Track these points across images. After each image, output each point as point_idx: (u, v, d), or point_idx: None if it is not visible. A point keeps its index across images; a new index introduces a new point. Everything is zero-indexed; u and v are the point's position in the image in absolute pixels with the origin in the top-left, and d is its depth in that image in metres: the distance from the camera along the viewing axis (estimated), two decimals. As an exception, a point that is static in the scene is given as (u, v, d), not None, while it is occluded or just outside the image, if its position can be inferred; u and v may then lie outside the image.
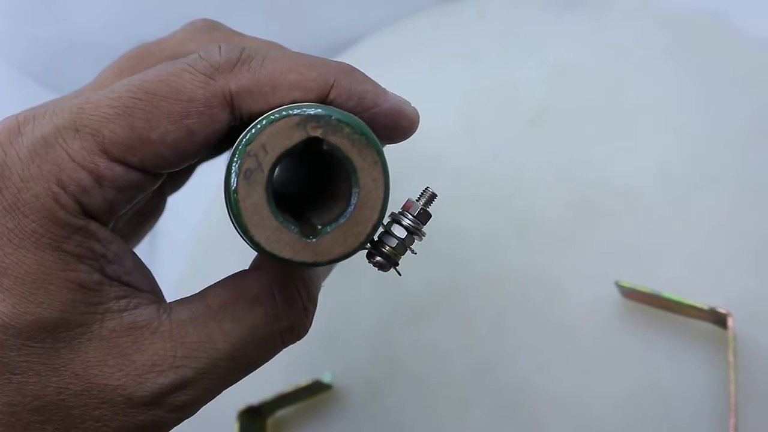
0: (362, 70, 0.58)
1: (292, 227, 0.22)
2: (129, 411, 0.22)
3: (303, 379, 0.38)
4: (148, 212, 0.31)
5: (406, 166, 0.45)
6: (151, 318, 0.22)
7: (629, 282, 0.33)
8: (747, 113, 0.40)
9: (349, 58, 0.59)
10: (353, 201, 0.22)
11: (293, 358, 0.41)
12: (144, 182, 0.22)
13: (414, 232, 0.24)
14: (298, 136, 0.21)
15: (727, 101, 0.40)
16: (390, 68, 0.54)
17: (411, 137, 0.48)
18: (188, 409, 0.23)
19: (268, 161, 0.21)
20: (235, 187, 0.21)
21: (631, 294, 0.34)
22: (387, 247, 0.23)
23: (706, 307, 0.31)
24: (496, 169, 0.43)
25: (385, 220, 0.23)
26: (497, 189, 0.42)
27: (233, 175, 0.21)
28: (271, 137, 0.21)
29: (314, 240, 0.22)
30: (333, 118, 0.22)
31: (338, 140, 0.22)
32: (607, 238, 0.38)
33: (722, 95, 0.41)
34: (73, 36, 0.57)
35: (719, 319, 0.31)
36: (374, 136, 0.22)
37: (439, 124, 0.47)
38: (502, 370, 0.36)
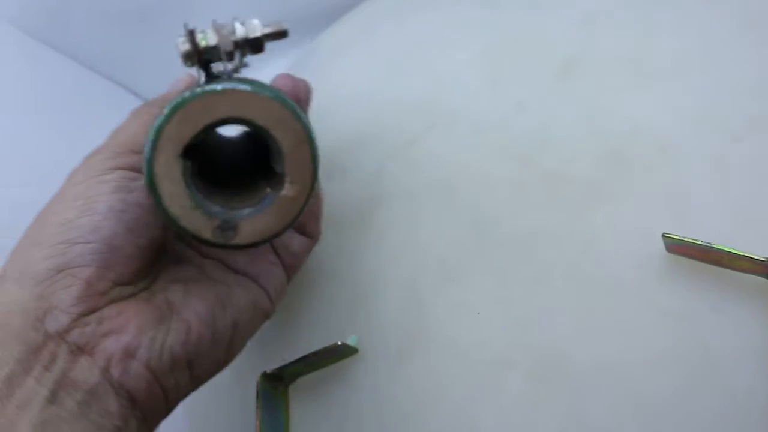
0: (379, 25, 0.56)
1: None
2: None
3: (326, 344, 0.37)
4: None
5: (428, 120, 0.43)
6: None
7: (677, 234, 0.31)
8: (789, 55, 0.37)
9: (365, 12, 0.57)
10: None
11: (316, 321, 0.40)
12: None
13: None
14: None
15: (766, 43, 0.38)
16: (405, 20, 0.52)
17: (432, 92, 0.46)
18: None
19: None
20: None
21: (678, 248, 0.32)
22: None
23: (762, 258, 0.29)
24: (523, 123, 0.41)
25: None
26: (525, 143, 0.40)
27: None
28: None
29: None
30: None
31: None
32: (643, 191, 0.35)
33: (760, 37, 0.38)
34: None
35: (776, 272, 0.29)
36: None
37: (461, 76, 0.45)
38: (539, 330, 0.34)
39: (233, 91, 0.22)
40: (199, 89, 0.22)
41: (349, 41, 0.54)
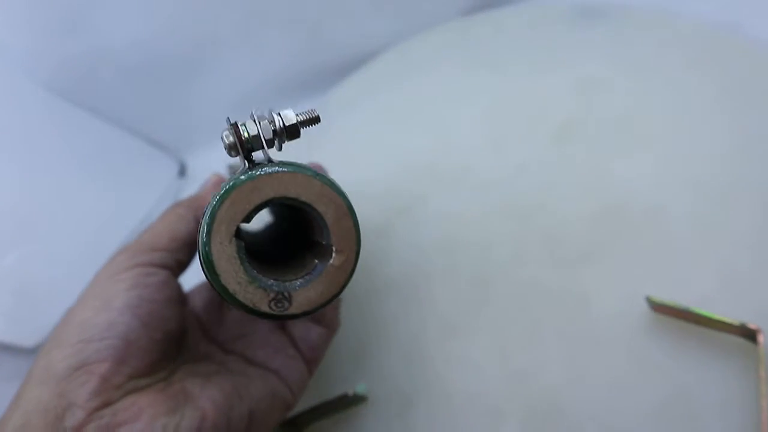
0: (387, 83, 0.59)
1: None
2: None
3: (337, 392, 0.39)
4: None
5: (432, 181, 0.46)
6: None
7: (659, 297, 0.34)
8: (769, 124, 0.40)
9: (370, 70, 0.60)
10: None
11: (327, 371, 0.42)
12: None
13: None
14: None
15: (750, 112, 0.41)
16: (412, 80, 0.55)
17: (437, 151, 0.49)
18: None
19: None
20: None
21: (661, 308, 0.34)
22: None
23: (736, 323, 0.32)
24: (523, 184, 0.43)
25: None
26: (524, 203, 0.42)
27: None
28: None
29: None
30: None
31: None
32: (634, 252, 0.38)
33: (745, 106, 0.41)
34: (100, 52, 0.58)
35: (749, 334, 0.32)
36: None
37: (463, 138, 0.47)
38: (534, 383, 0.36)
39: (277, 173, 0.24)
40: (244, 175, 0.24)
41: (357, 99, 0.56)
